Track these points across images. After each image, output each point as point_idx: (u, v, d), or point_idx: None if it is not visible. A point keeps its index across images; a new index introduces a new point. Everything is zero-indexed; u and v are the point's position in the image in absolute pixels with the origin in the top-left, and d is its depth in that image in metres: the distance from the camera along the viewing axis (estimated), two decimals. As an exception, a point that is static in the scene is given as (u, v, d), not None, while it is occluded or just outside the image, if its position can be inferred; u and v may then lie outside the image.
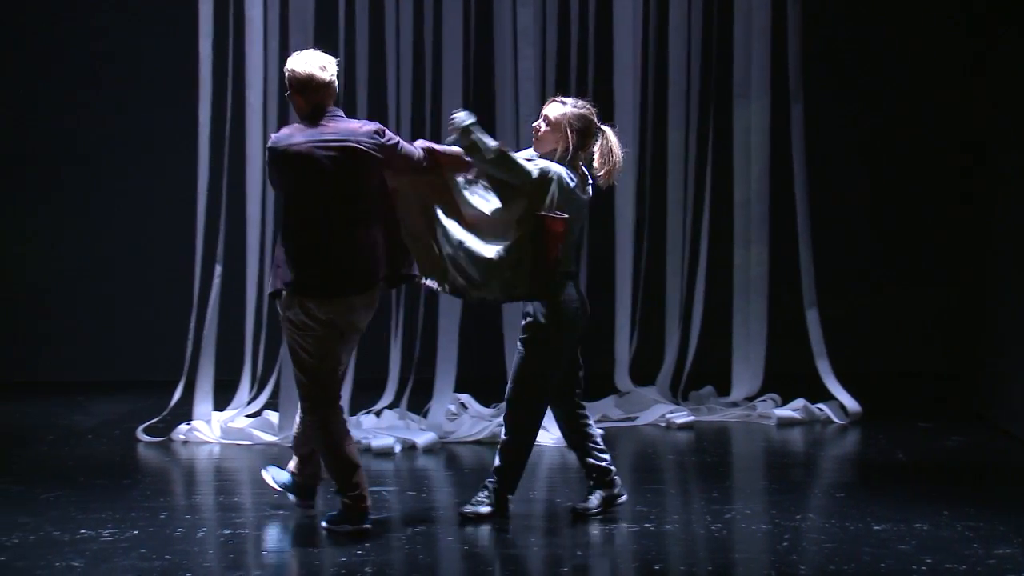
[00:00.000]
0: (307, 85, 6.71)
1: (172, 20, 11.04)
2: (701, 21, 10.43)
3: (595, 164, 6.89)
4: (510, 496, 7.03)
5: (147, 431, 9.19)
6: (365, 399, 9.69)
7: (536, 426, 7.03)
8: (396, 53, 9.68)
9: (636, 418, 9.96)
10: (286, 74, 6.79)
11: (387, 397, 9.77)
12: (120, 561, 6.13)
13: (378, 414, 9.60)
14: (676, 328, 10.50)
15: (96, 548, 6.34)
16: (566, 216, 6.70)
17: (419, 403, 9.58)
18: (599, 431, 7.26)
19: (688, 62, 10.45)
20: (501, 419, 9.10)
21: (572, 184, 6.76)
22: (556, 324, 6.85)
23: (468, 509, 6.96)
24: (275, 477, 7.09)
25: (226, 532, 6.67)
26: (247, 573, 6.02)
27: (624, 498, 7.12)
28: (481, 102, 9.75)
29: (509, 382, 6.99)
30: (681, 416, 9.85)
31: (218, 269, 9.41)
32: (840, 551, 6.35)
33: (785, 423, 9.91)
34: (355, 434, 8.61)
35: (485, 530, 6.73)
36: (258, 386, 9.60)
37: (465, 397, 9.77)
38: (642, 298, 10.56)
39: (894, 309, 11.98)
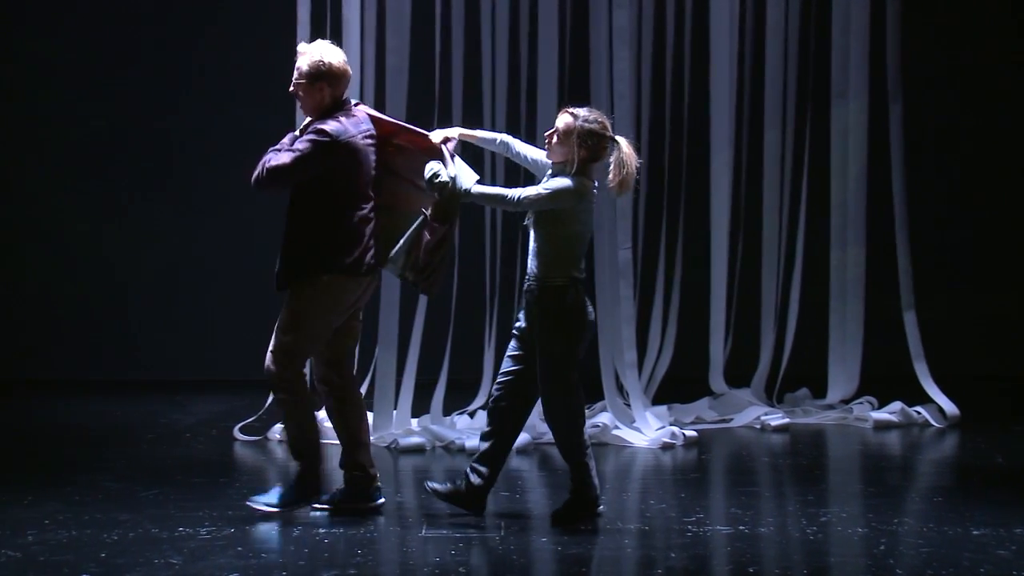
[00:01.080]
0: (341, 77, 6.98)
1: (270, 22, 11.12)
2: (798, 20, 10.38)
3: (610, 175, 6.89)
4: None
5: (244, 430, 9.29)
6: (459, 400, 9.74)
7: (581, 426, 7.01)
8: (491, 54, 9.71)
9: (731, 420, 9.93)
10: (317, 66, 6.90)
11: (481, 398, 9.79)
12: (217, 559, 6.17)
13: (472, 415, 9.62)
14: (771, 330, 10.44)
15: (194, 546, 6.40)
16: (442, 227, 6.89)
17: None
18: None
19: (785, 62, 10.39)
20: (595, 420, 9.22)
21: (584, 194, 6.83)
22: (560, 330, 6.87)
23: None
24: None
25: (320, 531, 6.71)
26: (342, 572, 6.04)
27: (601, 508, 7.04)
28: (576, 103, 9.70)
29: (541, 396, 6.99)
30: (776, 418, 9.79)
31: None
32: (938, 556, 6.27)
33: (882, 426, 9.82)
34: (449, 435, 8.95)
35: (578, 531, 6.71)
36: None
37: (558, 398, 9.75)
38: (737, 299, 10.51)
39: (993, 311, 11.85)
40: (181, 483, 7.75)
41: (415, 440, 9.02)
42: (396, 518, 7.04)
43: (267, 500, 6.98)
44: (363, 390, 9.40)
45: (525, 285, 6.97)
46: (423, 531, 6.75)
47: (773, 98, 10.39)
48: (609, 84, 9.58)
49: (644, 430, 9.19)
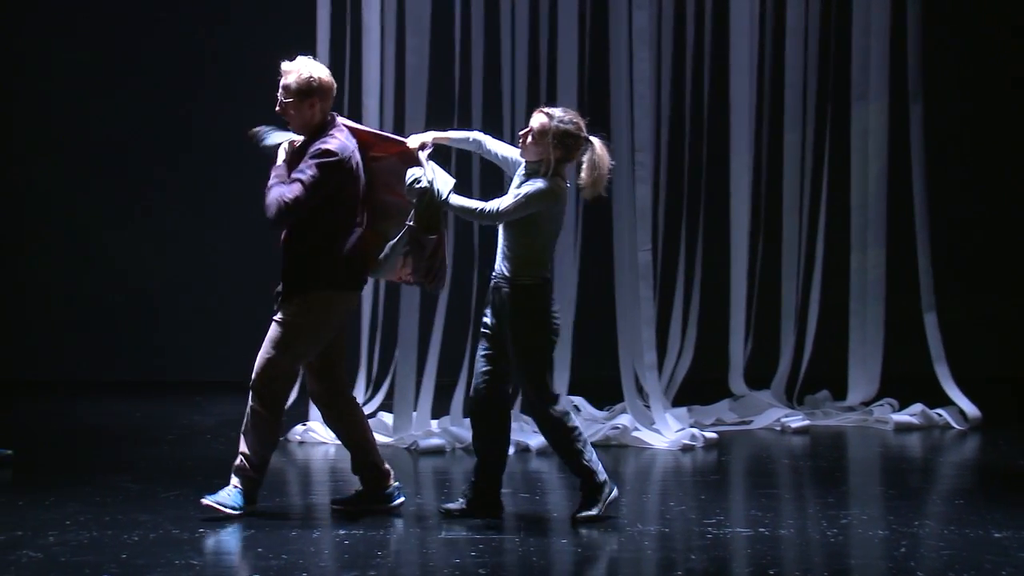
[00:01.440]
0: (329, 92, 6.95)
1: (290, 24, 11.11)
2: (819, 21, 10.38)
3: (582, 175, 6.90)
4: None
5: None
6: None
7: (566, 416, 7.00)
8: (511, 54, 9.69)
9: (751, 422, 9.93)
10: (307, 82, 6.86)
11: None
12: (238, 560, 6.19)
13: None
14: (791, 331, 10.43)
15: (214, 547, 6.41)
16: (432, 237, 6.86)
17: None
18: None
19: (805, 62, 10.38)
20: (615, 422, 9.21)
21: (558, 195, 6.84)
22: (537, 328, 6.89)
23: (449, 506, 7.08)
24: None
25: (341, 532, 6.71)
26: (362, 573, 6.05)
27: (614, 493, 7.00)
28: (596, 103, 9.74)
29: (527, 396, 7.05)
30: (796, 420, 9.78)
31: None
32: (959, 558, 6.26)
33: (902, 428, 9.80)
34: (469, 436, 8.58)
35: (598, 533, 6.71)
36: (373, 388, 9.64)
37: (578, 399, 9.77)
38: (757, 301, 10.50)
39: (1014, 313, 11.81)
40: (201, 484, 7.73)
41: (435, 442, 9.03)
42: (415, 519, 7.04)
43: (220, 500, 6.93)
44: (383, 392, 9.59)
45: (493, 284, 6.98)
46: (442, 533, 6.76)
47: (793, 99, 10.38)
48: (629, 85, 9.57)
49: (664, 432, 9.18)
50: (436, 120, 9.28)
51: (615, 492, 6.98)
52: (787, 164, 10.46)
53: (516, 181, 6.96)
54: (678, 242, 10.32)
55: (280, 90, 6.91)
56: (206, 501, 6.87)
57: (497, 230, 6.98)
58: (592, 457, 6.95)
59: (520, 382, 7.01)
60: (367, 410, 9.46)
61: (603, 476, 6.95)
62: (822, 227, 10.47)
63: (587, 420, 9.50)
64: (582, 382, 9.76)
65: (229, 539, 6.55)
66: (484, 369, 7.01)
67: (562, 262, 9.24)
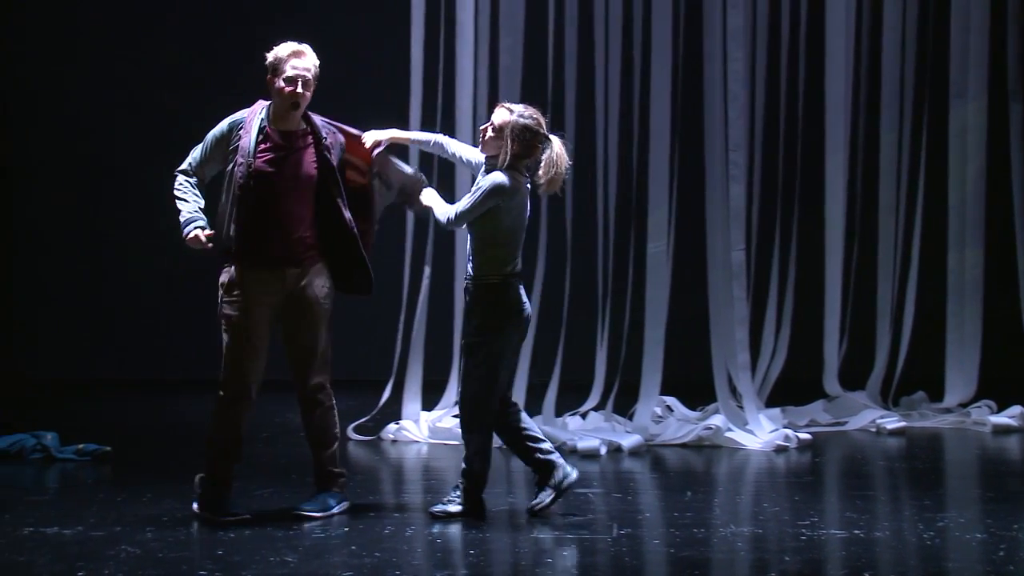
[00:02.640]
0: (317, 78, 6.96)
1: (384, 26, 11.18)
2: (916, 19, 10.26)
3: (539, 173, 6.88)
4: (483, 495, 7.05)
5: (357, 430, 9.36)
6: (571, 401, 9.73)
7: (490, 427, 6.99)
8: (605, 54, 9.70)
9: (845, 423, 9.85)
10: (313, 70, 6.83)
11: (593, 399, 9.80)
12: (331, 557, 6.22)
13: (584, 416, 9.63)
14: (887, 332, 10.34)
15: (308, 544, 6.45)
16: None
17: (625, 405, 9.61)
18: (534, 424, 7.20)
19: (902, 61, 10.28)
20: (708, 422, 9.18)
21: (509, 188, 6.79)
22: (497, 325, 6.85)
23: (437, 508, 7.01)
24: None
25: (434, 531, 6.73)
26: (454, 572, 6.06)
27: (574, 476, 7.02)
28: (689, 104, 9.73)
29: (460, 388, 7.05)
30: (892, 422, 9.69)
31: (427, 271, 9.52)
32: (1058, 563, 6.17)
33: (1001, 430, 9.68)
34: (561, 436, 8.90)
35: (691, 534, 6.69)
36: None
37: (671, 400, 9.77)
38: (852, 301, 10.41)
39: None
40: (296, 482, 7.81)
41: (590, 444, 8.95)
42: (508, 519, 7.04)
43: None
44: None
45: (464, 286, 6.98)
46: (535, 532, 6.75)
47: (890, 98, 10.28)
48: (723, 85, 9.55)
49: (757, 432, 9.14)
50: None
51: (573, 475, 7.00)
52: (883, 163, 10.36)
53: (478, 180, 6.96)
54: (772, 241, 10.26)
55: (308, 75, 6.83)
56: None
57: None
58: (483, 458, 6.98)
59: (463, 375, 7.00)
60: (448, 407, 9.53)
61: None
62: (918, 226, 10.37)
63: (680, 420, 9.48)
64: (675, 382, 9.74)
65: (323, 537, 6.59)
66: None
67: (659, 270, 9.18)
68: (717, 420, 9.27)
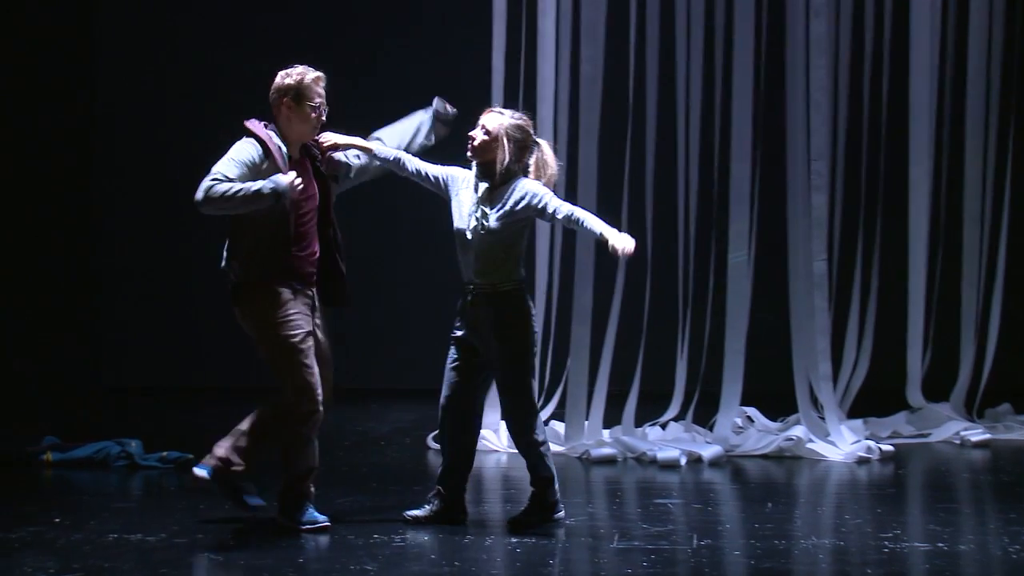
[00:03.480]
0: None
1: (465, 34, 11.20)
2: (1003, 25, 10.14)
3: (530, 176, 6.83)
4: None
5: (437, 439, 9.30)
6: (651, 411, 9.71)
7: (536, 424, 6.99)
8: (686, 63, 9.68)
9: (929, 435, 9.77)
10: (323, 86, 6.83)
11: (673, 409, 9.78)
12: (411, 566, 6.24)
13: (664, 426, 9.62)
14: (972, 342, 10.24)
15: (388, 553, 6.47)
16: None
17: (705, 416, 9.58)
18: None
19: (988, 66, 10.18)
20: (789, 433, 9.14)
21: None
22: (521, 335, 6.84)
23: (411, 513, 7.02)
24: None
25: (513, 541, 6.74)
26: (534, 581, 6.09)
27: (561, 513, 6.99)
28: (771, 112, 9.68)
29: (502, 401, 7.01)
30: (976, 434, 9.60)
31: None
32: None
33: (1088, 443, 9.57)
34: (640, 446, 8.95)
35: (772, 545, 6.66)
36: (545, 395, 9.65)
37: (751, 410, 9.73)
38: (936, 311, 10.31)
39: None
40: (376, 490, 7.85)
41: (606, 451, 9.04)
42: (587, 529, 7.04)
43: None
44: (555, 400, 9.62)
45: (467, 292, 6.89)
46: (614, 542, 6.75)
47: (975, 106, 10.17)
48: (806, 93, 9.49)
49: (839, 444, 9.09)
50: (610, 131, 9.43)
51: (562, 513, 6.99)
52: (968, 171, 10.25)
53: (467, 192, 6.86)
54: (854, 251, 10.18)
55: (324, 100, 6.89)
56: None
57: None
58: (549, 474, 6.98)
59: (502, 388, 6.95)
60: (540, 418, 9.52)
61: (556, 496, 6.99)
62: (1004, 236, 10.26)
63: (760, 431, 9.45)
64: (755, 393, 9.69)
65: (402, 546, 6.62)
66: (454, 380, 6.98)
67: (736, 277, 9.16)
68: (798, 431, 9.23)
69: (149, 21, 12.51)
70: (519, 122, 6.85)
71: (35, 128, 12.15)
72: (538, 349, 7.01)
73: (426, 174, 7.02)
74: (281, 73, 6.81)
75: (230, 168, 6.61)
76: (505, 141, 6.78)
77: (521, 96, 9.41)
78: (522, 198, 6.77)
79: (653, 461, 8.85)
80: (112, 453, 8.73)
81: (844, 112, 10.05)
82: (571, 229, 7.12)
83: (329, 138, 6.95)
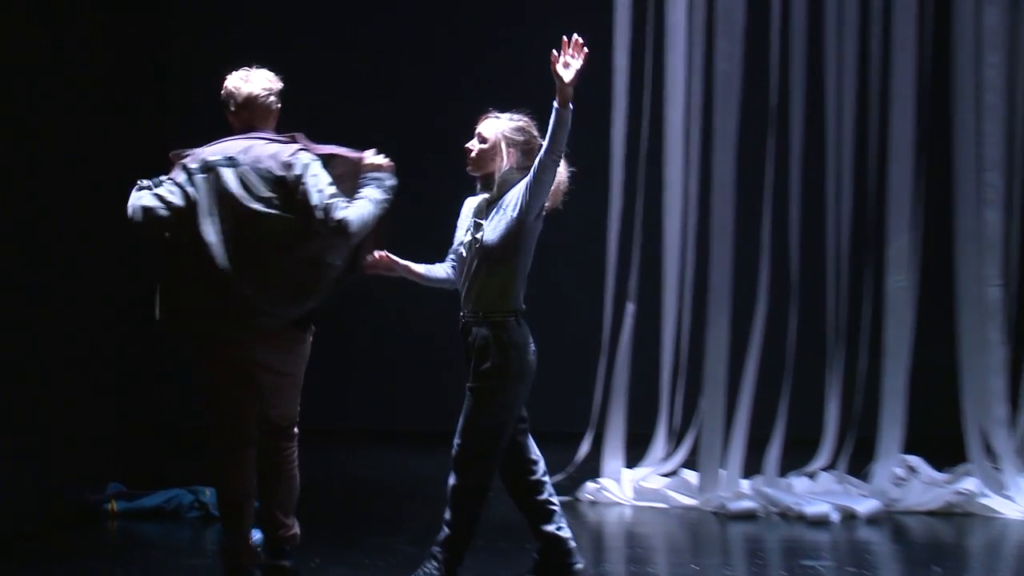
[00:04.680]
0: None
1: (583, 27, 11.07)
2: None
3: None
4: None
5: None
6: (797, 459, 9.65)
7: (486, 490, 6.81)
8: (837, 59, 9.60)
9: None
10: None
11: (823, 457, 9.71)
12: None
13: (812, 476, 9.56)
14: None
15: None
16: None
17: (860, 465, 9.52)
18: (554, 495, 7.02)
19: None
20: (959, 486, 8.97)
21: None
22: (506, 371, 6.71)
23: None
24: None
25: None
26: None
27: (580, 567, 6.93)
28: (936, 116, 9.57)
29: (455, 439, 6.81)
30: None
31: (630, 308, 9.52)
32: None
33: None
34: (785, 499, 8.98)
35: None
36: (675, 441, 9.64)
37: (914, 459, 9.63)
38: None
39: None
40: (483, 548, 7.72)
41: (746, 504, 9.00)
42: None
43: None
44: (686, 446, 9.60)
45: (460, 324, 6.84)
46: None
47: None
48: (976, 95, 9.42)
49: (1017, 498, 9.01)
50: (750, 138, 9.41)
51: None
52: None
53: (479, 217, 6.77)
54: (1034, 275, 10.04)
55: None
56: None
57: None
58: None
59: (464, 420, 6.81)
60: (668, 467, 9.55)
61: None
62: None
63: (925, 483, 9.34)
64: (918, 439, 9.62)
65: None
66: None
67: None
68: (970, 484, 9.13)
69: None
70: (519, 124, 6.82)
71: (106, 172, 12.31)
72: (522, 392, 6.84)
73: (456, 254, 6.96)
74: (272, 76, 6.83)
75: (334, 187, 6.63)
76: (504, 147, 6.75)
77: (647, 98, 9.42)
78: (516, 195, 6.70)
79: (800, 517, 8.81)
80: (184, 502, 8.75)
81: (1022, 115, 9.81)
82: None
83: (384, 262, 6.94)
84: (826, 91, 9.63)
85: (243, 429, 6.80)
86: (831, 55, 9.62)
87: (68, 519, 8.58)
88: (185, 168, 6.58)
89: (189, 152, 6.65)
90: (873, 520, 8.78)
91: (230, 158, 6.55)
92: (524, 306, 6.77)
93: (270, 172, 6.50)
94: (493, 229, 6.67)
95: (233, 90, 6.76)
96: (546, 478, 6.95)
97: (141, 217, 6.51)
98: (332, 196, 6.45)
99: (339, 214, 6.40)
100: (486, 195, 6.80)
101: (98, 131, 9.64)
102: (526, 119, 6.86)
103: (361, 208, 6.47)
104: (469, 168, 6.81)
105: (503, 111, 6.82)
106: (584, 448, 9.59)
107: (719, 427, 9.18)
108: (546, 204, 6.69)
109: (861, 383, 9.67)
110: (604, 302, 9.62)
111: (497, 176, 6.75)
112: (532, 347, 6.79)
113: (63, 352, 9.05)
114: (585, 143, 8.70)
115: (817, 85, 9.65)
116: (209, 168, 6.54)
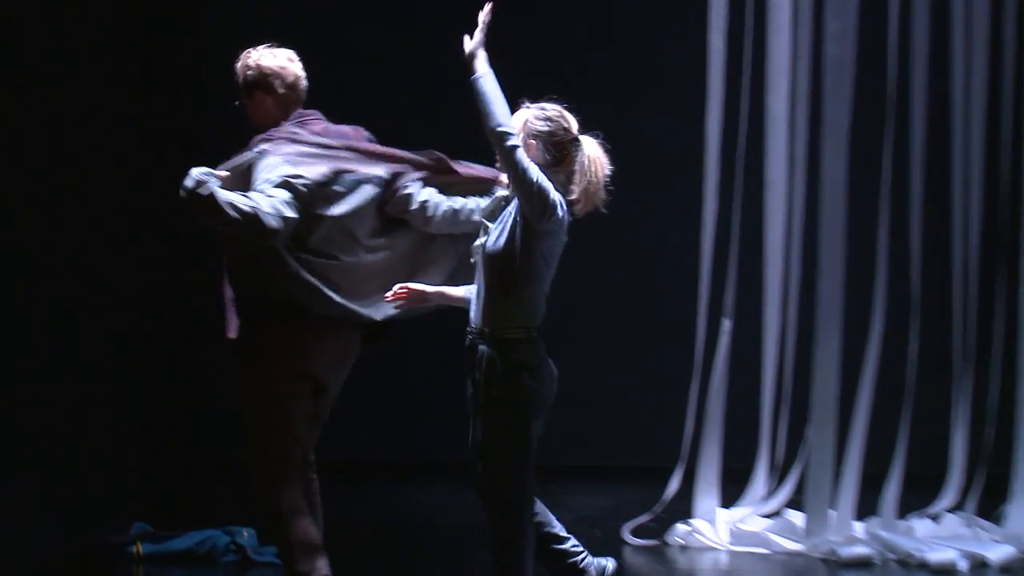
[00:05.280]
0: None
1: (675, 8, 11.03)
2: None
3: (572, 187, 6.46)
4: None
5: (636, 532, 9.15)
6: (919, 499, 9.44)
7: (526, 520, 6.92)
8: (964, 40, 9.32)
9: None
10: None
11: (948, 497, 9.46)
12: None
13: (936, 518, 9.33)
14: None
15: None
16: None
17: (991, 505, 9.31)
18: (556, 522, 7.07)
19: None
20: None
21: (558, 205, 6.37)
22: (517, 398, 6.55)
23: None
24: None
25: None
26: None
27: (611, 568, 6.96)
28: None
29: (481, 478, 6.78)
30: None
31: (727, 324, 9.29)
32: None
33: None
34: (905, 544, 8.84)
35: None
36: (778, 477, 9.43)
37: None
38: None
39: None
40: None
41: (859, 550, 8.76)
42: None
43: None
44: (791, 482, 9.46)
45: (467, 343, 6.60)
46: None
47: None
48: None
49: None
50: (864, 131, 9.16)
51: None
52: None
53: (490, 218, 6.54)
54: None
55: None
56: None
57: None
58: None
59: (481, 462, 6.74)
60: (770, 507, 9.39)
61: None
62: None
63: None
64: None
65: None
66: None
67: None
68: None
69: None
70: (547, 113, 6.53)
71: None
72: (537, 427, 6.73)
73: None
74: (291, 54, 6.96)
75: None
76: (533, 142, 6.49)
77: (746, 85, 9.20)
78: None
79: (923, 564, 8.60)
80: (219, 545, 8.60)
81: None
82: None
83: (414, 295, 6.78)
84: (952, 78, 9.37)
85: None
86: (958, 37, 9.35)
87: (87, 564, 8.48)
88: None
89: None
90: (1007, 569, 8.58)
91: None
92: (539, 322, 6.53)
93: None
94: (497, 234, 6.44)
95: (278, 69, 6.79)
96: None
97: (282, 227, 6.43)
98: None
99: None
100: (505, 193, 6.56)
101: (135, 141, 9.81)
102: (558, 109, 6.59)
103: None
104: (496, 165, 6.62)
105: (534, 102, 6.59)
106: (674, 485, 9.34)
107: (829, 461, 8.94)
108: (574, 204, 6.46)
109: (992, 412, 9.44)
110: (697, 319, 9.36)
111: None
112: (550, 369, 6.59)
113: (85, 380, 9.03)
114: (676, 137, 8.31)
115: (942, 71, 9.39)
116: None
